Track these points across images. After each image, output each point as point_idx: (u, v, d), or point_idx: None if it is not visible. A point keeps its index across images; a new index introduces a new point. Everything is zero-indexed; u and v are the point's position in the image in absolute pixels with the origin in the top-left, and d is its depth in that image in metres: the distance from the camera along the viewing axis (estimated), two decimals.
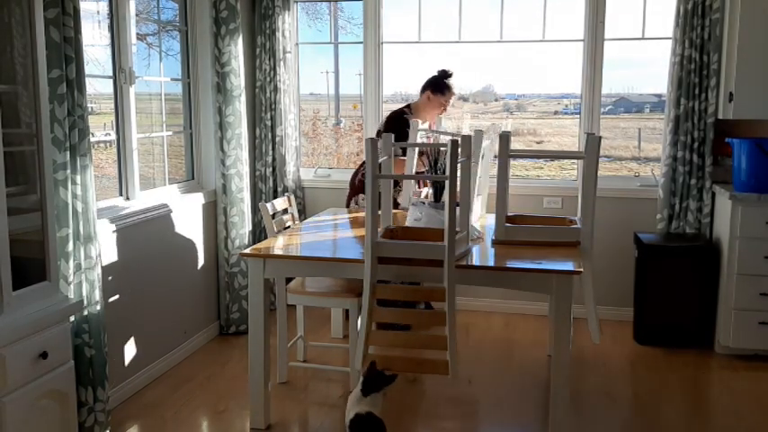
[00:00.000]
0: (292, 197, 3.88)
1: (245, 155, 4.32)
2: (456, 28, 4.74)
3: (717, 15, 4.08)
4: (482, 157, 3.54)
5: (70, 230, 2.73)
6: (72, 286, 2.76)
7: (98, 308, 2.92)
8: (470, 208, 3.04)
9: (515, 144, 5.07)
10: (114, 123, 3.54)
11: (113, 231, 3.31)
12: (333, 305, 3.71)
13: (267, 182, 4.77)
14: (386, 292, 2.88)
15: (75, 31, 2.70)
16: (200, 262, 4.20)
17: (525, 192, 4.60)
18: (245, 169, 4.31)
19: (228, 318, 4.35)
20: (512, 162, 3.95)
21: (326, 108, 5.41)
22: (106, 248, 3.24)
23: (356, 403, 2.69)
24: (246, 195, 4.33)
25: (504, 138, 3.15)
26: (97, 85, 3.45)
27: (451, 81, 4.24)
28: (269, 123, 4.74)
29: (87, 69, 2.82)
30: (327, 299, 3.51)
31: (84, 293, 2.84)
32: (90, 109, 2.89)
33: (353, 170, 4.58)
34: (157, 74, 3.99)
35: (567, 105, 5.21)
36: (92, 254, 2.86)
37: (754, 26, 3.91)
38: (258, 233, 4.73)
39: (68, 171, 2.71)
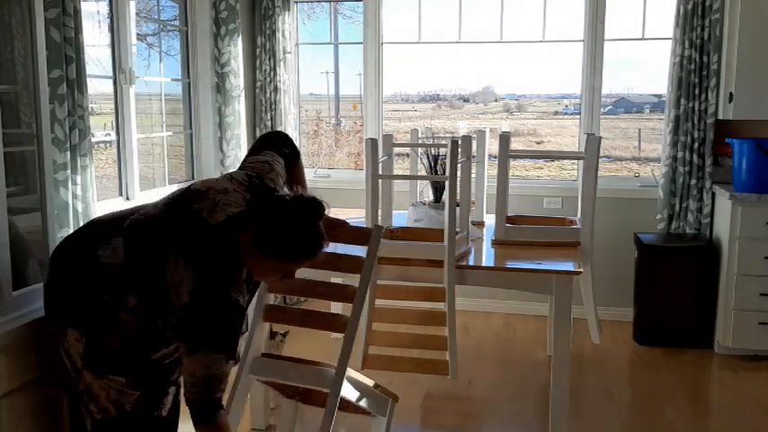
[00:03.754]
0: None
1: (243, 155, 4.31)
2: (456, 28, 4.74)
3: (717, 15, 4.08)
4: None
5: (70, 231, 2.73)
6: None
7: None
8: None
9: (515, 144, 5.07)
10: (114, 123, 3.54)
11: None
12: None
13: None
14: (386, 293, 2.88)
15: (75, 32, 2.69)
16: None
17: (525, 192, 4.60)
18: None
19: None
20: (512, 162, 3.96)
21: (327, 108, 5.42)
22: None
23: None
24: None
25: (504, 138, 3.15)
26: (97, 86, 3.45)
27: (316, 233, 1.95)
28: (269, 124, 4.74)
29: (87, 69, 2.82)
30: None
31: None
32: (90, 109, 2.89)
33: (353, 170, 4.56)
34: (157, 74, 3.99)
35: (566, 106, 5.21)
36: None
37: (754, 26, 3.91)
38: None
39: (69, 171, 2.71)
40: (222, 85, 4.23)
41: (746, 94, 3.95)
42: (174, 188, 4.09)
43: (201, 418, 1.85)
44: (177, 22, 4.22)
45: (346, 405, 2.42)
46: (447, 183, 2.77)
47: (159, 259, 1.84)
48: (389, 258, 2.82)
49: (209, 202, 1.92)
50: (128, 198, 3.60)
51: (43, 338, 2.32)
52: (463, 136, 3.02)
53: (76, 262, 1.96)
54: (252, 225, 1.87)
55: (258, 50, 4.70)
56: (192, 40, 4.24)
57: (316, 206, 1.92)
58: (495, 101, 5.43)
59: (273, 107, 4.73)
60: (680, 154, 4.24)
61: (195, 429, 1.88)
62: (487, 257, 3.10)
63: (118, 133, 3.53)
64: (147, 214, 1.97)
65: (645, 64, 4.69)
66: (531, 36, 4.67)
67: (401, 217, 3.44)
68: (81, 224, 2.80)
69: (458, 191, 2.86)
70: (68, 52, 2.68)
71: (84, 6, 2.80)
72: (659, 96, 4.75)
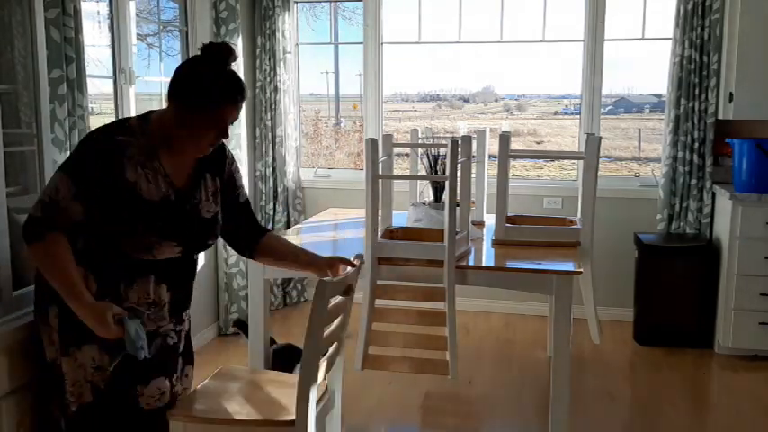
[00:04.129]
0: None
1: (244, 155, 4.32)
2: (456, 28, 4.74)
3: (717, 15, 4.08)
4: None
5: None
6: None
7: None
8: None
9: (515, 144, 5.07)
10: None
11: None
12: None
13: (267, 182, 4.78)
14: (385, 293, 2.88)
15: (75, 32, 2.70)
16: (199, 263, 4.18)
17: (525, 192, 4.60)
18: (243, 170, 4.32)
19: (227, 318, 4.35)
20: (512, 162, 3.95)
21: (327, 108, 5.42)
22: None
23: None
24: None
25: (504, 138, 3.15)
26: (97, 86, 3.45)
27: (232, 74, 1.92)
28: (269, 124, 4.74)
29: (87, 69, 2.82)
30: None
31: None
32: (90, 109, 2.89)
33: (353, 170, 4.56)
34: (157, 74, 3.99)
35: (566, 106, 5.21)
36: None
37: (754, 26, 3.91)
38: None
39: None
40: None
41: (746, 94, 3.95)
42: None
43: (31, 237, 1.88)
44: (177, 23, 4.22)
45: None
46: (447, 183, 2.76)
47: None
48: (389, 258, 2.82)
49: None
50: None
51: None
52: (463, 136, 3.02)
53: None
54: (170, 95, 1.89)
55: (258, 50, 4.69)
56: (192, 41, 4.24)
57: (220, 47, 1.90)
58: (495, 101, 5.43)
59: (273, 107, 4.73)
60: (680, 154, 4.25)
61: (29, 249, 1.91)
62: (487, 257, 3.10)
63: None
64: None
65: (645, 64, 4.69)
66: (531, 36, 4.67)
67: (401, 217, 3.44)
68: None
69: (458, 191, 2.86)
70: (68, 52, 2.68)
71: (84, 6, 2.80)
72: (659, 96, 4.75)
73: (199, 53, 1.91)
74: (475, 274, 2.88)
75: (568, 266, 2.79)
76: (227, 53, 1.89)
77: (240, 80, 1.92)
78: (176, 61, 4.22)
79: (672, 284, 4.11)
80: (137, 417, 2.04)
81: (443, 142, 3.43)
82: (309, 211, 4.89)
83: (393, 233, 3.07)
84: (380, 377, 3.00)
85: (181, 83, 1.88)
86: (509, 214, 3.25)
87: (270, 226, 4.79)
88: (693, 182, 4.24)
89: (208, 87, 1.85)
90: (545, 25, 4.61)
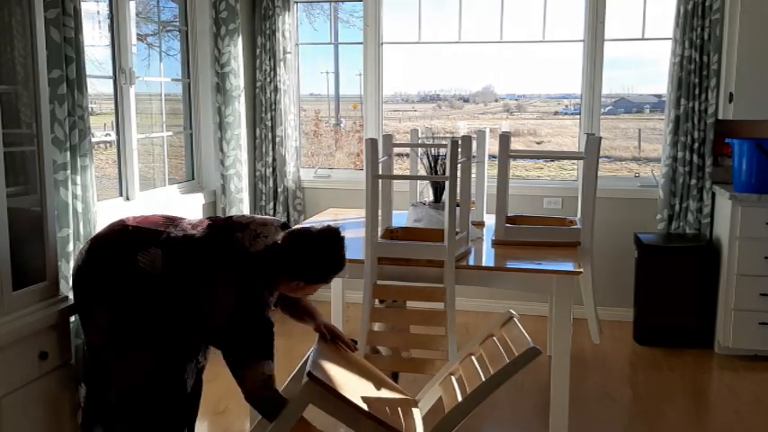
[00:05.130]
0: None
1: (244, 155, 4.32)
2: (456, 28, 4.74)
3: (717, 16, 4.08)
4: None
5: (70, 231, 2.73)
6: None
7: None
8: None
9: (515, 144, 5.07)
10: (114, 124, 3.54)
11: None
12: None
13: (267, 182, 4.78)
14: (385, 293, 2.88)
15: (75, 32, 2.70)
16: None
17: (525, 192, 4.60)
18: (243, 170, 4.32)
19: None
20: (512, 162, 3.96)
21: (326, 108, 5.41)
22: None
23: None
24: (246, 196, 4.33)
25: (504, 138, 3.15)
26: (97, 86, 3.45)
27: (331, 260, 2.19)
28: (269, 124, 4.74)
29: (87, 69, 2.82)
30: None
31: None
32: (90, 109, 2.89)
33: (353, 170, 4.55)
34: (157, 74, 3.99)
35: (566, 106, 5.21)
36: None
37: (754, 26, 3.91)
38: None
39: (69, 171, 2.71)
40: (222, 85, 4.23)
41: (746, 94, 3.95)
42: (174, 188, 4.11)
43: (273, 414, 2.08)
44: (177, 23, 4.22)
45: None
46: (447, 183, 2.77)
47: (198, 281, 2.04)
48: (389, 258, 2.82)
49: (251, 233, 2.14)
50: (128, 198, 3.60)
51: (43, 338, 2.32)
52: (463, 136, 3.02)
53: (115, 262, 2.16)
54: (287, 254, 2.10)
55: (258, 50, 4.70)
56: (192, 40, 4.24)
57: (337, 235, 2.16)
58: (495, 101, 5.43)
59: (273, 107, 4.73)
60: (680, 154, 4.25)
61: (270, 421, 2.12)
62: (487, 257, 3.10)
63: (118, 133, 3.53)
64: (187, 235, 2.15)
65: (645, 64, 4.69)
66: (531, 36, 4.67)
67: (401, 217, 3.44)
68: (81, 224, 2.81)
69: (458, 191, 2.86)
70: (68, 52, 2.68)
71: (84, 6, 2.80)
72: (659, 96, 4.75)
73: (318, 234, 2.16)
74: (475, 274, 2.89)
75: (568, 266, 2.79)
76: (340, 240, 2.17)
77: (342, 261, 2.17)
78: (176, 61, 4.22)
79: (672, 284, 4.11)
80: (179, 393, 2.26)
81: (443, 142, 3.43)
82: (309, 211, 4.89)
83: (393, 233, 3.08)
84: None
85: (299, 258, 2.13)
86: (509, 214, 3.26)
87: None
88: (693, 182, 4.24)
89: (319, 270, 2.15)
90: (545, 25, 4.61)
